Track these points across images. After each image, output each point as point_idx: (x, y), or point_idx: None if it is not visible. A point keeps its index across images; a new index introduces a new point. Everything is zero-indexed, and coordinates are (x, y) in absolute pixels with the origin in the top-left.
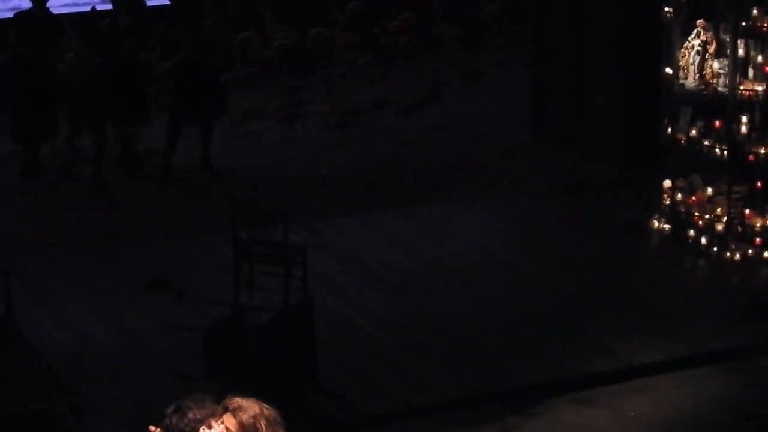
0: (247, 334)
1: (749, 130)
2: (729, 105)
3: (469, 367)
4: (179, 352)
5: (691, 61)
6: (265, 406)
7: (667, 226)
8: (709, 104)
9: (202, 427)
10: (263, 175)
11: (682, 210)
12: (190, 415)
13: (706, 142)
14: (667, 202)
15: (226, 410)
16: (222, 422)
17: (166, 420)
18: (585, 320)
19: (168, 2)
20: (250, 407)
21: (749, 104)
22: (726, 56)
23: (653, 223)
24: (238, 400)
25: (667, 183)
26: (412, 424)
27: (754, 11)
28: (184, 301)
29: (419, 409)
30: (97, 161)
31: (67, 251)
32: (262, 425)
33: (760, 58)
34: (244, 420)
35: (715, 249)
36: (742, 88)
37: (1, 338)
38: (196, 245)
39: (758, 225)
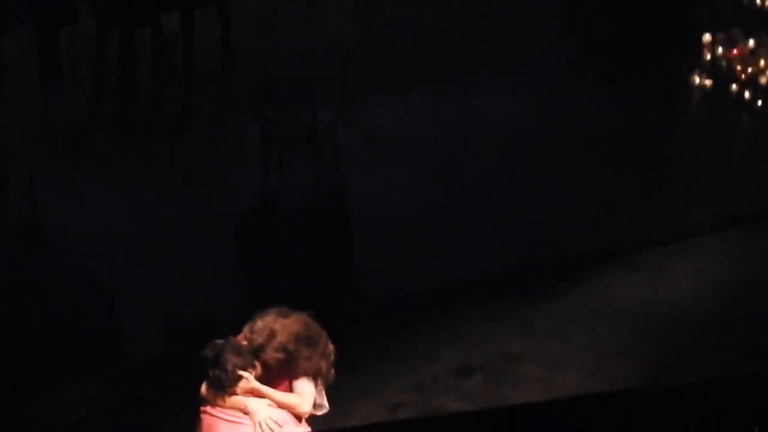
0: (278, 218)
1: None
2: None
3: (509, 239)
4: (210, 240)
5: None
6: (303, 315)
7: (708, 82)
8: None
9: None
10: (286, 53)
11: (724, 64)
12: (231, 364)
13: None
14: (708, 57)
15: (273, 334)
16: (276, 343)
17: (210, 373)
18: (625, 184)
19: None
20: (295, 319)
21: None
22: None
23: (694, 79)
24: (281, 320)
25: (707, 37)
26: (453, 300)
27: None
28: (213, 189)
29: (460, 285)
30: (123, 54)
31: (92, 145)
32: (315, 328)
33: None
34: (296, 331)
35: (760, 103)
36: None
37: (28, 236)
38: (223, 129)
39: None
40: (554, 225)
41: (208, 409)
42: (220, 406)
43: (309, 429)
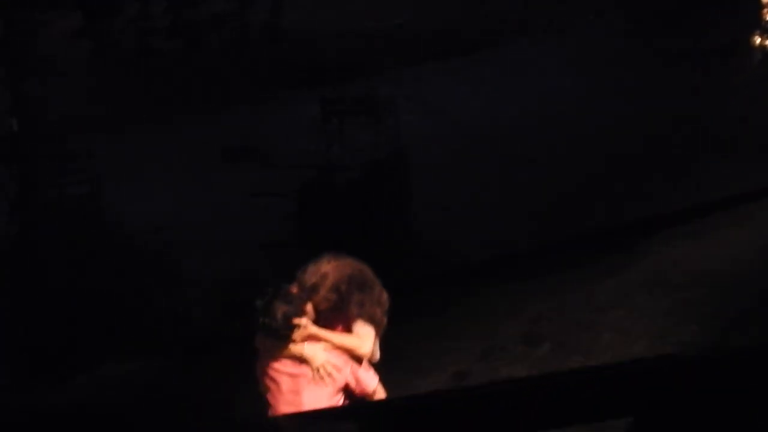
0: (340, 193)
1: None
2: None
3: (570, 208)
4: (266, 218)
5: None
6: (358, 261)
7: None
8: None
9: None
10: (337, 29)
11: None
12: (281, 313)
13: None
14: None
15: (326, 275)
16: (329, 283)
17: (261, 321)
18: (682, 152)
19: None
20: (349, 263)
21: None
22: None
23: (754, 40)
24: (334, 262)
25: None
26: (514, 268)
27: None
28: (269, 166)
29: (522, 252)
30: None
31: (145, 126)
32: (369, 275)
33: None
34: (348, 273)
35: None
36: None
37: (87, 217)
38: (277, 107)
39: None
40: (613, 193)
41: (266, 361)
42: (277, 357)
43: (376, 375)
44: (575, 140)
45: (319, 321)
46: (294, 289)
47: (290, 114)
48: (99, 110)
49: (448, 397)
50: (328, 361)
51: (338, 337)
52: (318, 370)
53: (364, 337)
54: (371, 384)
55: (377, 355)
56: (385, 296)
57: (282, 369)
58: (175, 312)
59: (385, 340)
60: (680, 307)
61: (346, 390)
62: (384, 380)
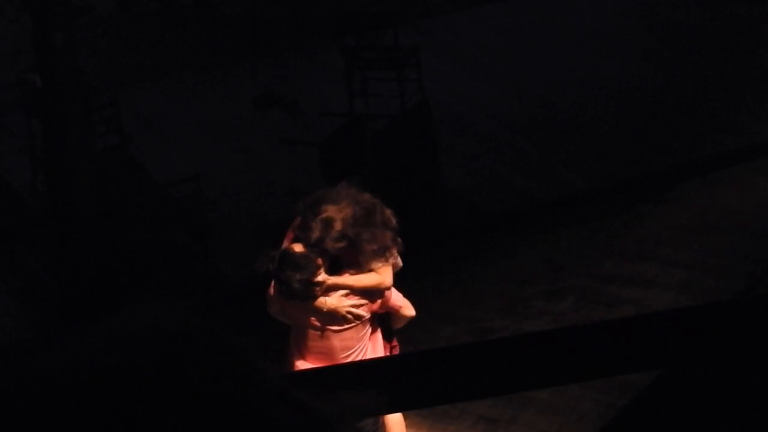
0: (365, 143)
1: None
2: None
3: (595, 157)
4: (295, 167)
5: None
6: (350, 190)
7: None
8: None
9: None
10: None
11: None
12: (296, 281)
13: None
14: None
15: (329, 224)
16: (335, 233)
17: (279, 288)
18: (711, 100)
19: None
20: (346, 202)
21: None
22: None
23: None
24: (332, 207)
25: None
26: (539, 219)
27: None
28: (297, 114)
29: (546, 204)
30: None
31: (173, 75)
32: (367, 200)
33: None
34: (351, 213)
35: None
36: None
37: (118, 168)
38: (303, 57)
39: None
40: (639, 142)
41: (289, 318)
42: (300, 314)
43: (399, 293)
44: (603, 87)
45: (330, 262)
46: (297, 247)
47: (316, 63)
48: (129, 61)
49: (471, 351)
50: (352, 306)
51: (357, 279)
52: (344, 317)
53: (382, 271)
54: (397, 302)
55: (400, 264)
56: (387, 212)
57: (307, 323)
58: (204, 262)
59: (407, 294)
60: (706, 258)
61: (373, 319)
62: (405, 335)
